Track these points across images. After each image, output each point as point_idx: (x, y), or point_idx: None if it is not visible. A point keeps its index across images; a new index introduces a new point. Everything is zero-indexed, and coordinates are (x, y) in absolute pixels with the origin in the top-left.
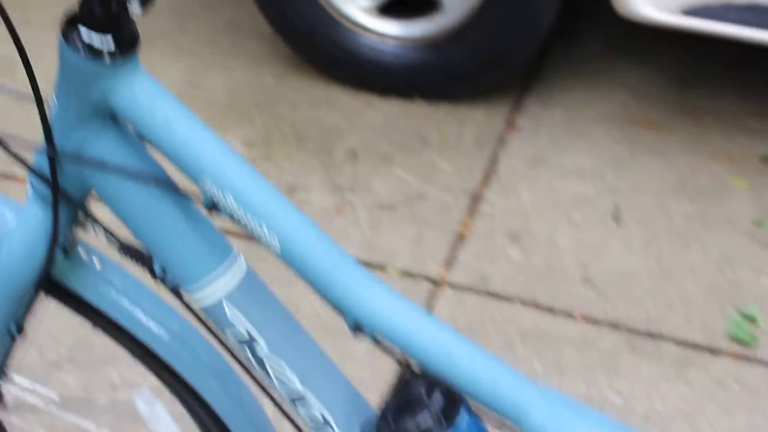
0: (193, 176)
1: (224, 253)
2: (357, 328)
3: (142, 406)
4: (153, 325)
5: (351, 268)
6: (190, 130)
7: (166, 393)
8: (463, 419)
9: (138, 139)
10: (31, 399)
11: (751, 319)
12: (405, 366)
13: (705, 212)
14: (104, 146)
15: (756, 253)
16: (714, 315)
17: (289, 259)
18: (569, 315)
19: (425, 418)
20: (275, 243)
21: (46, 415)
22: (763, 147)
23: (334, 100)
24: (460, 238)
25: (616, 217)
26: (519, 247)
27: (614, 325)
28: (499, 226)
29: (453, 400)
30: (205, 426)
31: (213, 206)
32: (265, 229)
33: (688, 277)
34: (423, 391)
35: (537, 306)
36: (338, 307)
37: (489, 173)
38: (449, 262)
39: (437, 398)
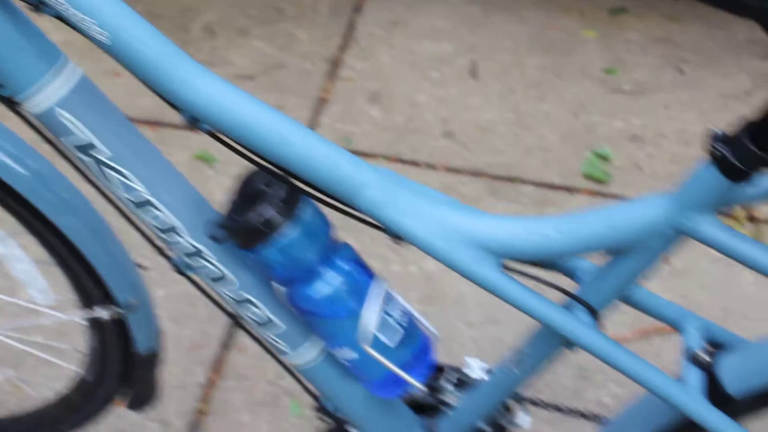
0: None
1: (52, 58)
2: (193, 121)
3: None
4: (9, 161)
5: (183, 59)
6: None
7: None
8: (304, 209)
9: None
10: None
11: (605, 158)
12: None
13: (558, 64)
14: None
15: (607, 98)
16: (570, 157)
17: (119, 53)
18: (431, 167)
19: (266, 209)
20: (105, 38)
21: None
22: (611, 0)
23: None
24: (322, 102)
25: (474, 73)
26: (380, 107)
27: (475, 173)
28: (360, 88)
29: (295, 192)
30: (65, 263)
31: (38, 4)
32: (95, 25)
33: (544, 125)
34: (264, 185)
35: (400, 160)
36: (173, 101)
37: (347, 39)
38: (313, 126)
39: (278, 190)
